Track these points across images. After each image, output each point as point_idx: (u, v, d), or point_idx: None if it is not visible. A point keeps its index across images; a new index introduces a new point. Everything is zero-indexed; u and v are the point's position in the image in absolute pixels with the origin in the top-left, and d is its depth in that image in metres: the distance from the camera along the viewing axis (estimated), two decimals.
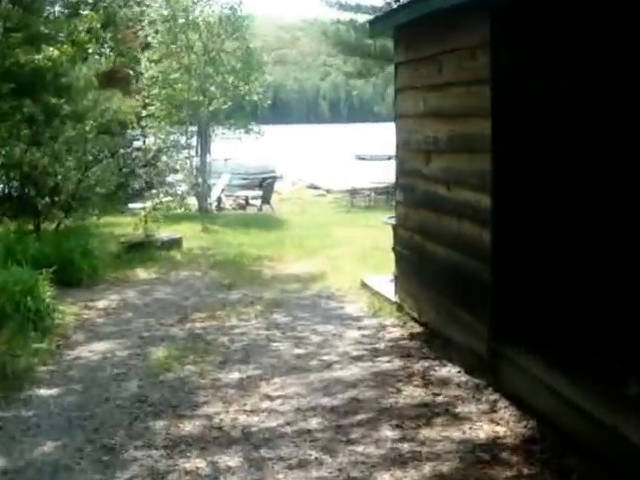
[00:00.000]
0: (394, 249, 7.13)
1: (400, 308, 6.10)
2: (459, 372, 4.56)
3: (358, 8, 19.87)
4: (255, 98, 15.23)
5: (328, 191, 23.60)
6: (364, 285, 7.14)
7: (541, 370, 3.73)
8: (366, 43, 19.25)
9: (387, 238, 10.55)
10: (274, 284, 7.70)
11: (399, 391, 4.29)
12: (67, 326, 6.01)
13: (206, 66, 14.15)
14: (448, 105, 4.83)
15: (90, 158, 9.16)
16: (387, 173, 25.79)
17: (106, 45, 10.03)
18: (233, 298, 7.07)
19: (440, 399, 4.12)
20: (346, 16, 20.26)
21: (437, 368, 4.68)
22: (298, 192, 23.82)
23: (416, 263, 5.71)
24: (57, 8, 14.02)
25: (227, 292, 7.38)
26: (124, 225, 11.25)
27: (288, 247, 10.11)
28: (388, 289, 6.68)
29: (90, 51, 9.80)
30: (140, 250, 9.19)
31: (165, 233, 10.10)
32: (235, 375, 4.69)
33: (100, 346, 5.44)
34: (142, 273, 8.40)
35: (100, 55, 10.49)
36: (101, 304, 6.89)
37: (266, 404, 4.11)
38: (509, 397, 3.97)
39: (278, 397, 4.22)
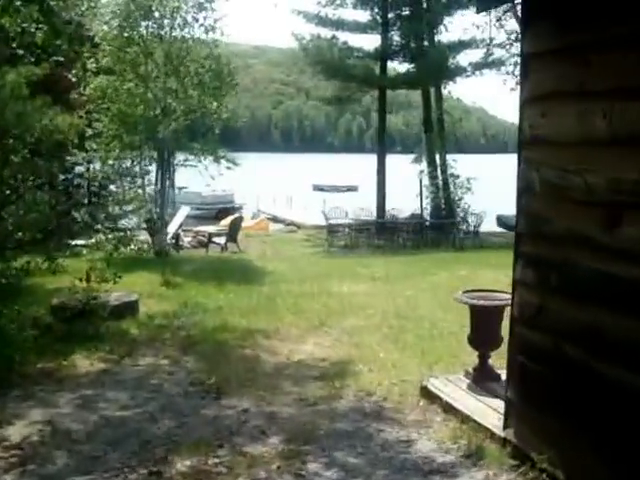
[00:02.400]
0: (474, 341, 4.83)
1: (516, 451, 3.75)
2: None
3: (340, 24, 17.81)
4: (225, 117, 12.68)
5: (299, 227, 21.22)
6: (428, 394, 4.74)
7: None
8: (348, 64, 17.29)
9: (408, 299, 8.41)
10: (283, 385, 5.21)
11: None
12: None
13: (167, 77, 11.61)
14: None
15: (8, 191, 6.38)
16: (355, 206, 23.80)
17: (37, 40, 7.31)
18: (228, 417, 4.55)
19: None
20: (326, 33, 18.28)
21: None
22: (261, 225, 21.45)
23: (566, 390, 3.36)
24: None
25: (216, 403, 4.84)
26: (60, 274, 8.49)
27: (282, 312, 7.63)
28: (475, 407, 4.35)
29: (16, 46, 7.12)
30: (80, 321, 6.54)
31: (115, 292, 7.43)
32: None
33: None
34: (82, 362, 5.75)
35: (31, 53, 7.80)
36: (13, 434, 4.24)
37: None
38: None
39: None
